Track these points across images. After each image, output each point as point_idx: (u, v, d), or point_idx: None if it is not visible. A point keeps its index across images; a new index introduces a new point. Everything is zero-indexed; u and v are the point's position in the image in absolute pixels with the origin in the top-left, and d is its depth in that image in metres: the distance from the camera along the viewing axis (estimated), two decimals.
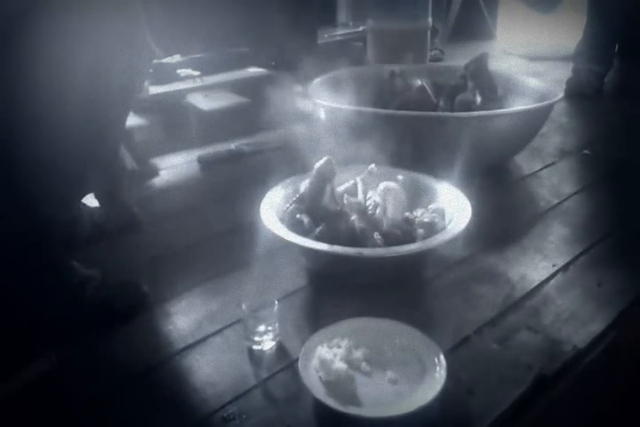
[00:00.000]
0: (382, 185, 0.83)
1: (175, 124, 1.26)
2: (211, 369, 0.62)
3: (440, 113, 1.14)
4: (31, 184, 0.60)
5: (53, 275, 0.68)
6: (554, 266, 0.81)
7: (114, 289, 0.71)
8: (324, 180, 0.77)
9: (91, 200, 0.88)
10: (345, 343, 0.60)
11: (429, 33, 1.73)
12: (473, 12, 2.40)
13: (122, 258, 0.83)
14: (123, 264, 0.81)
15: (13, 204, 0.60)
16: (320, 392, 0.55)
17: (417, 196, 0.86)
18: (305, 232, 0.75)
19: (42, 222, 0.64)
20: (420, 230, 0.77)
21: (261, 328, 0.64)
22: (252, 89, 1.37)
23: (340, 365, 0.57)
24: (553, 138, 1.32)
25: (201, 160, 1.19)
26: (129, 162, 0.83)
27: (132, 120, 1.19)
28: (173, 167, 1.17)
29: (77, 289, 0.69)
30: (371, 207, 0.81)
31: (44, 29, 0.55)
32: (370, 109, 1.07)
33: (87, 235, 0.84)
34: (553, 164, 1.19)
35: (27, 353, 0.62)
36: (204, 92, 1.37)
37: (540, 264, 0.82)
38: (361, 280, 0.75)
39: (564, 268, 0.81)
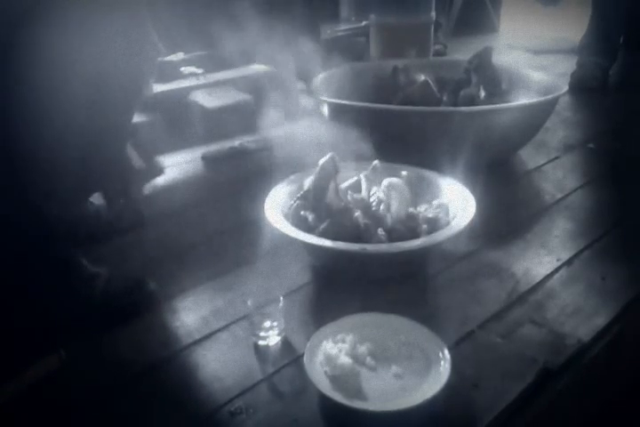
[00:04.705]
0: (386, 181, 0.83)
1: (179, 121, 1.26)
2: (217, 364, 0.63)
3: (444, 108, 1.14)
4: (33, 184, 0.61)
5: (61, 272, 0.69)
6: (558, 260, 0.81)
7: (121, 286, 0.72)
8: (327, 176, 0.78)
9: (98, 198, 0.89)
10: (350, 338, 0.61)
11: (432, 27, 1.72)
12: (476, 5, 2.38)
13: (128, 255, 0.84)
14: (129, 261, 0.82)
15: (17, 203, 0.61)
16: (325, 387, 0.56)
17: (421, 191, 0.87)
18: (309, 229, 0.76)
19: (47, 221, 0.65)
20: (424, 226, 0.77)
21: (267, 324, 0.65)
22: (256, 86, 1.37)
23: (345, 359, 0.58)
24: (557, 132, 1.32)
25: (205, 158, 1.20)
26: (135, 160, 0.84)
27: (136, 118, 1.19)
28: (178, 165, 1.17)
29: (85, 286, 0.70)
30: (374, 203, 0.81)
31: (46, 28, 0.55)
32: (373, 105, 1.07)
33: (94, 233, 0.85)
34: (557, 158, 1.19)
35: (35, 350, 0.62)
36: (208, 89, 1.37)
37: (544, 259, 0.82)
38: (365, 276, 0.75)
39: (569, 262, 0.81)
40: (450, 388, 0.55)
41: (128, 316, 0.70)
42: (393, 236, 0.76)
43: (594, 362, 0.64)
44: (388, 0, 1.66)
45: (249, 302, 0.66)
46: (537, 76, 1.23)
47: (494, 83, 1.19)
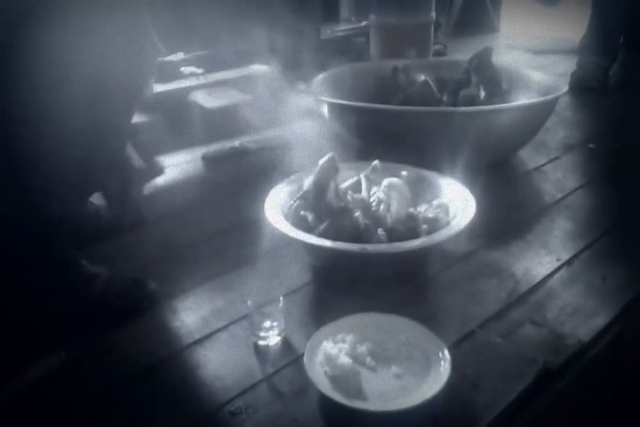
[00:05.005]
0: (386, 181, 0.83)
1: (179, 121, 1.26)
2: (217, 364, 0.63)
3: (444, 108, 1.14)
4: (34, 184, 0.61)
5: (61, 272, 0.69)
6: (558, 260, 0.81)
7: (121, 286, 0.72)
8: (327, 176, 0.78)
9: (98, 198, 0.89)
10: (350, 338, 0.61)
11: (432, 27, 1.72)
12: (476, 5, 2.38)
13: (129, 255, 0.84)
14: (130, 261, 0.82)
15: (17, 203, 0.60)
16: (325, 387, 0.56)
17: (421, 191, 0.87)
18: (309, 229, 0.76)
19: (47, 221, 0.65)
20: (424, 226, 0.77)
21: (267, 324, 0.65)
22: (256, 86, 1.37)
23: (345, 360, 0.58)
24: (557, 132, 1.32)
25: (205, 158, 1.20)
26: (136, 160, 0.84)
27: (136, 118, 1.19)
28: (177, 165, 1.17)
29: (85, 286, 0.70)
30: (374, 203, 0.81)
31: (46, 28, 0.55)
32: (373, 105, 1.07)
33: (94, 232, 0.85)
34: (557, 158, 1.19)
35: (35, 350, 0.62)
36: (208, 89, 1.37)
37: (544, 259, 0.82)
38: (365, 276, 0.75)
39: (569, 262, 0.81)
40: (450, 388, 0.55)
41: (128, 316, 0.70)
42: (393, 236, 0.76)
43: (594, 362, 0.64)
44: (387, 0, 1.66)
45: (249, 302, 0.66)
46: (537, 76, 1.23)
47: (494, 83, 1.19)
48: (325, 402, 0.56)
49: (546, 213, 0.96)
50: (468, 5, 2.34)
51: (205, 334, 0.68)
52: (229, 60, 1.47)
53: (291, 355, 0.64)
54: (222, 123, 1.28)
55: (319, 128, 1.19)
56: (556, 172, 1.12)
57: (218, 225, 0.92)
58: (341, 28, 1.99)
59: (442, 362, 0.58)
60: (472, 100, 1.15)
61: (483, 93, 1.17)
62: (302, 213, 0.78)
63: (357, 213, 0.77)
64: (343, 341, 0.61)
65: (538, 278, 0.77)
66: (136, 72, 0.63)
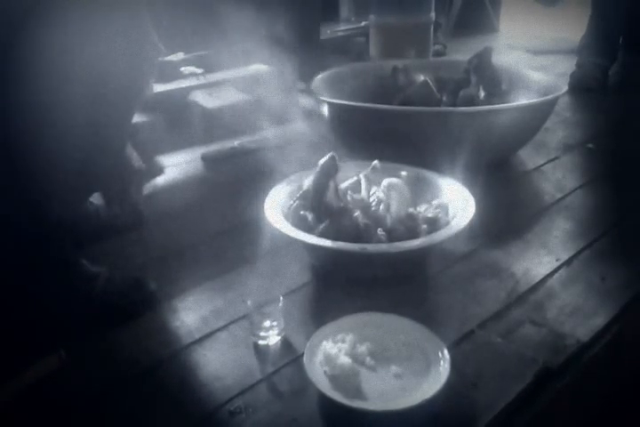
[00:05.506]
0: (386, 181, 0.83)
1: (179, 121, 1.26)
2: (217, 364, 0.63)
3: (443, 108, 1.14)
4: (34, 185, 0.61)
5: (61, 272, 0.69)
6: (557, 260, 0.82)
7: (121, 286, 0.72)
8: (327, 176, 0.78)
9: (98, 198, 0.89)
10: (349, 338, 0.61)
11: (432, 27, 1.72)
12: (476, 5, 2.38)
13: (129, 255, 0.84)
14: (130, 261, 0.82)
15: (17, 203, 0.61)
16: (325, 386, 0.56)
17: (420, 191, 0.87)
18: (309, 229, 0.76)
19: (47, 221, 0.65)
20: (424, 226, 0.77)
21: (267, 324, 0.65)
22: (256, 86, 1.37)
23: (344, 359, 0.58)
24: (557, 132, 1.32)
25: (205, 158, 1.20)
26: (135, 160, 0.84)
27: (136, 118, 1.19)
28: (177, 165, 1.18)
29: (85, 286, 0.70)
30: (374, 203, 0.81)
31: (46, 28, 0.55)
32: (373, 105, 1.07)
33: (94, 232, 0.85)
34: (557, 158, 1.19)
35: (35, 350, 0.62)
36: (208, 89, 1.37)
37: (543, 259, 0.82)
38: (365, 276, 0.76)
39: (568, 262, 0.81)
40: (449, 388, 0.55)
41: (128, 316, 0.70)
42: (393, 236, 0.76)
43: (593, 362, 0.64)
44: (387, 0, 1.66)
45: (249, 302, 0.66)
46: (537, 77, 1.23)
47: (494, 83, 1.19)
48: (325, 402, 0.56)
49: (546, 213, 0.96)
50: (467, 5, 2.34)
51: (205, 333, 0.68)
52: (229, 60, 1.47)
53: (290, 355, 0.64)
54: (222, 123, 1.28)
55: (319, 128, 1.19)
56: (555, 172, 1.12)
57: (218, 225, 0.92)
58: (341, 28, 1.99)
59: (441, 362, 0.58)
60: (472, 100, 1.15)
61: (482, 93, 1.17)
62: (302, 213, 0.78)
63: (357, 213, 0.77)
64: (343, 340, 0.61)
65: (537, 278, 0.77)
66: (136, 72, 0.63)
